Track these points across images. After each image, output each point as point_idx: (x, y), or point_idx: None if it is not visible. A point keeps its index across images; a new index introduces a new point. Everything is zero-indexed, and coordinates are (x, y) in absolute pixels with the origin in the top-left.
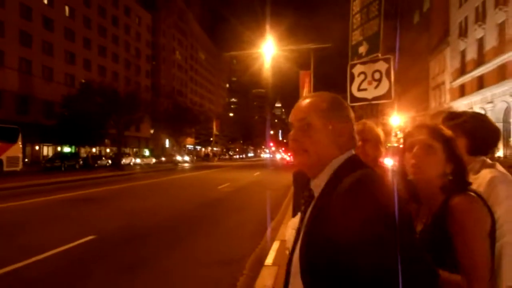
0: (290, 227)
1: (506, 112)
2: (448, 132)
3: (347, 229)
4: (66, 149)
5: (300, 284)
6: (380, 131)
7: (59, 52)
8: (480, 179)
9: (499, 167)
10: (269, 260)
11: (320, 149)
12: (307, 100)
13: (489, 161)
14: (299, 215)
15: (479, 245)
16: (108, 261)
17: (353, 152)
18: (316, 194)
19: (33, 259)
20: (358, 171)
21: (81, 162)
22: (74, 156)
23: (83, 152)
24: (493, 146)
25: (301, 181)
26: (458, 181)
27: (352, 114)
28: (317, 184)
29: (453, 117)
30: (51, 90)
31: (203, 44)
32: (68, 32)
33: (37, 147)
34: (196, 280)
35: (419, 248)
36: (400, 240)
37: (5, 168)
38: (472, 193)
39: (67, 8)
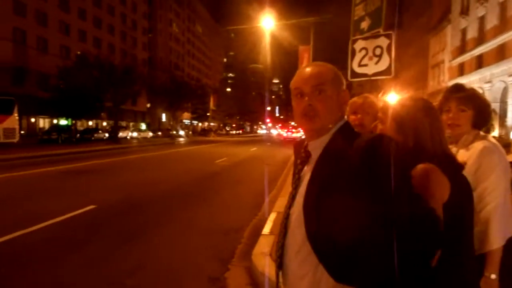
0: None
1: (504, 92)
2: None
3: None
4: (63, 122)
5: (300, 234)
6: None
7: (53, 23)
8: (473, 150)
9: (490, 138)
10: (266, 229)
11: (329, 114)
12: (316, 69)
13: (482, 133)
14: None
15: None
16: (108, 229)
17: (346, 119)
18: (316, 154)
19: (34, 227)
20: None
21: (65, 136)
22: (70, 129)
23: (79, 125)
24: (489, 122)
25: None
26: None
27: None
28: (316, 146)
29: (460, 89)
30: (46, 62)
31: (201, 16)
32: (62, 2)
33: (33, 120)
34: (195, 247)
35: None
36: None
37: (2, 140)
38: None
39: None
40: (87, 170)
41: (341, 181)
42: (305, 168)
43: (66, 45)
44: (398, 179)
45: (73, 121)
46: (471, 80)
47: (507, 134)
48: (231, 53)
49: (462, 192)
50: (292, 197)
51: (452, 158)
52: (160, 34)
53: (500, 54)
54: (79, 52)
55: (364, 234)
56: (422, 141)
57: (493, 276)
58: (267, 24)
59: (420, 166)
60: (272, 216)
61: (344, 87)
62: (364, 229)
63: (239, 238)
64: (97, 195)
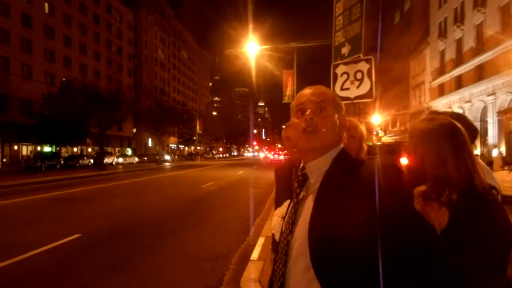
0: (277, 215)
1: (483, 111)
2: (409, 130)
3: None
4: (47, 149)
5: (304, 261)
6: (363, 128)
7: (38, 50)
8: None
9: (479, 160)
10: (254, 255)
11: (329, 133)
12: (317, 89)
13: None
14: (286, 203)
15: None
16: (94, 259)
17: (343, 144)
18: (314, 177)
19: (16, 258)
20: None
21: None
22: (54, 155)
23: (64, 151)
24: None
25: (284, 176)
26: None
27: None
28: (315, 169)
29: (444, 112)
30: (31, 89)
31: (186, 42)
32: (47, 30)
33: (15, 147)
34: (183, 275)
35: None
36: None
37: None
38: (423, 188)
39: (46, 5)
40: (72, 197)
41: (349, 210)
42: (303, 192)
43: (51, 71)
44: (406, 210)
45: (57, 148)
46: (451, 100)
47: (489, 153)
48: (217, 77)
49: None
50: (292, 223)
51: (478, 191)
52: (146, 60)
53: (478, 74)
54: (64, 79)
55: (371, 265)
56: (437, 169)
57: None
58: (252, 49)
59: (417, 189)
60: (261, 241)
61: (343, 112)
62: (372, 261)
63: (227, 264)
64: (82, 223)
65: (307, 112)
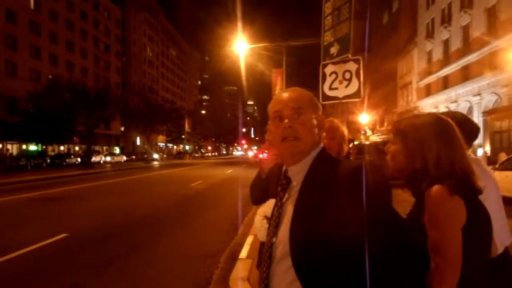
0: (259, 214)
1: (469, 111)
2: (404, 126)
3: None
4: (32, 147)
5: (284, 266)
6: (345, 130)
7: (23, 47)
8: None
9: (482, 163)
10: (243, 253)
11: (309, 138)
12: (294, 93)
13: (472, 156)
14: (269, 202)
15: (449, 237)
16: (82, 258)
17: (322, 144)
18: (297, 180)
19: (2, 258)
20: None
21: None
22: (40, 154)
23: (50, 150)
24: (470, 140)
25: (273, 173)
26: (427, 172)
27: None
28: (297, 172)
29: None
30: (16, 86)
31: (174, 40)
32: (33, 26)
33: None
34: (173, 274)
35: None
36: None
37: None
38: (449, 185)
39: (32, 1)
40: (59, 197)
41: (329, 210)
42: (286, 195)
43: (36, 69)
44: (385, 207)
45: (43, 146)
46: (438, 100)
47: (474, 152)
48: (206, 76)
49: (475, 218)
50: (276, 226)
51: (467, 182)
52: (134, 58)
53: (464, 75)
54: (50, 76)
55: (351, 264)
56: (430, 165)
57: None
58: (241, 47)
59: (434, 187)
60: (249, 240)
61: (321, 112)
62: (351, 260)
63: (216, 263)
64: (69, 223)
65: (286, 121)
